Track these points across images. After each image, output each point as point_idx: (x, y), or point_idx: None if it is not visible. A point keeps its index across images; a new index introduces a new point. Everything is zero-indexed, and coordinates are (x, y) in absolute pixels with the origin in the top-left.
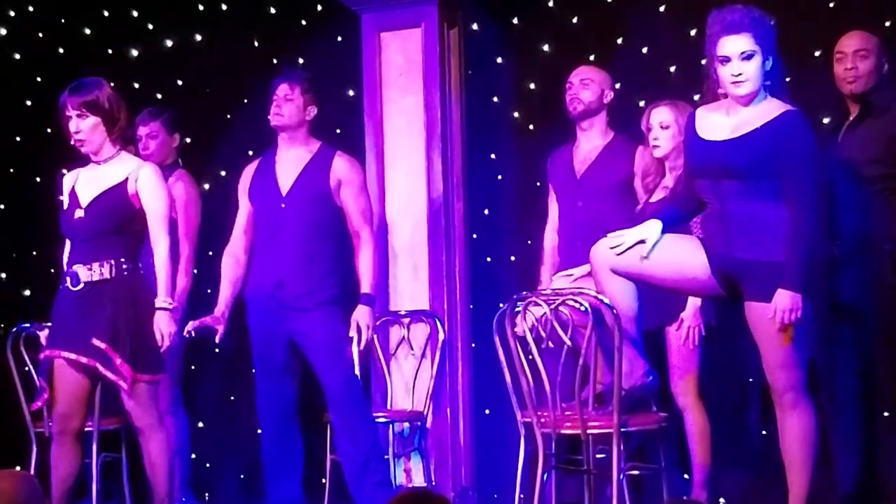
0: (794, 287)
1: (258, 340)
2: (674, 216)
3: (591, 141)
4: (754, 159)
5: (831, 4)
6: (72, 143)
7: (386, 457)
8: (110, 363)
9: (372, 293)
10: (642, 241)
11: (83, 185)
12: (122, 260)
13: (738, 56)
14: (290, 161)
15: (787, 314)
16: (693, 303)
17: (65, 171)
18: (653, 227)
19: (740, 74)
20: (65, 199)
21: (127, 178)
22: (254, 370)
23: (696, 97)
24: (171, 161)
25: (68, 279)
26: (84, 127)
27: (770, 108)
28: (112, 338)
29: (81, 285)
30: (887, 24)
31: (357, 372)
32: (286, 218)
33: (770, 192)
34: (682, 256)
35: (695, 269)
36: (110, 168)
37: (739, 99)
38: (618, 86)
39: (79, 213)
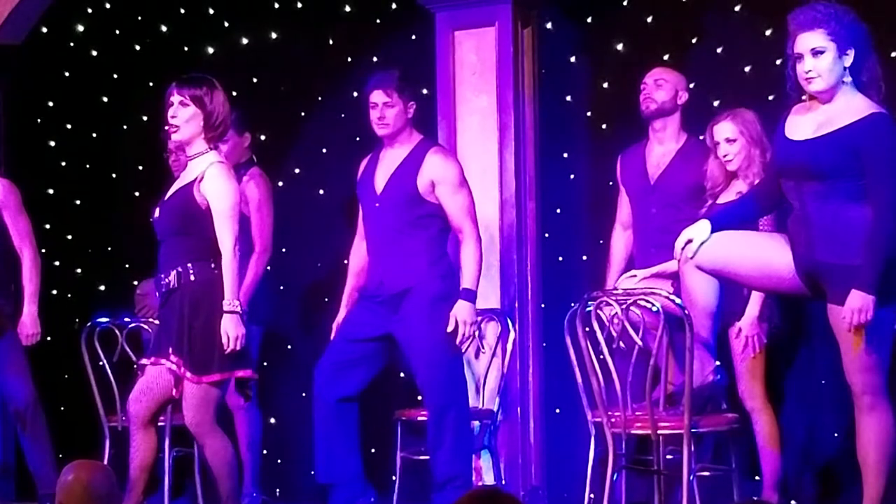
0: (866, 288)
1: (347, 332)
2: (738, 213)
3: (664, 144)
4: (835, 160)
5: None
6: (165, 127)
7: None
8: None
9: (472, 288)
10: (689, 241)
11: (176, 183)
12: (189, 265)
13: (809, 52)
14: (390, 159)
15: (856, 315)
16: (750, 312)
17: None
18: (700, 227)
19: (810, 71)
20: None
21: (196, 178)
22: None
23: (771, 98)
24: (245, 160)
25: (157, 291)
26: (182, 115)
27: (856, 108)
28: (178, 344)
29: (162, 296)
30: None
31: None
32: (380, 216)
33: (851, 192)
34: (767, 254)
35: (779, 267)
36: (193, 165)
37: (817, 95)
38: (692, 85)
39: (156, 212)
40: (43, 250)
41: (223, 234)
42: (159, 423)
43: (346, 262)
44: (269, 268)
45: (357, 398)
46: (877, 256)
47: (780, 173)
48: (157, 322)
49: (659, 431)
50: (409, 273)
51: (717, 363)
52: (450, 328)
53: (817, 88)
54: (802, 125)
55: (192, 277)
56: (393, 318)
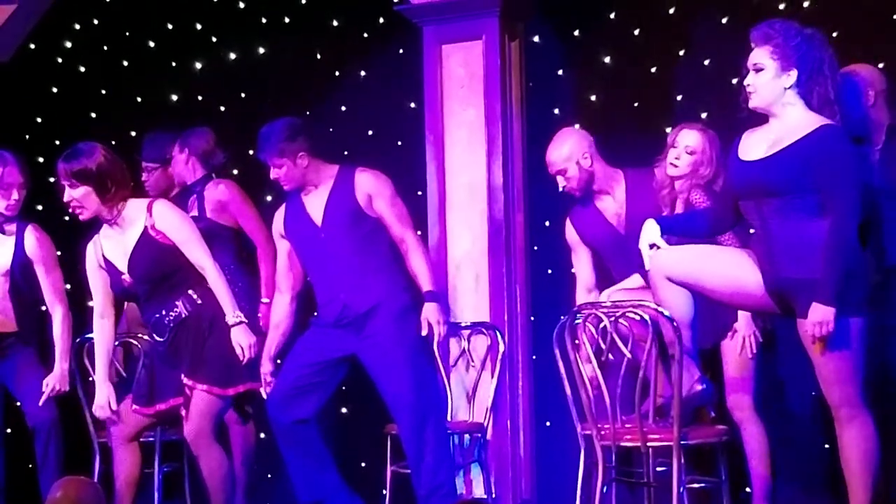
0: (826, 300)
1: (302, 357)
2: (687, 226)
3: (613, 193)
4: (790, 175)
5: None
6: (70, 211)
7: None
8: (188, 392)
9: (434, 289)
10: (655, 246)
11: (111, 251)
12: (190, 292)
13: (752, 67)
14: (316, 195)
15: (818, 327)
16: (745, 312)
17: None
18: (650, 230)
19: (749, 85)
20: (93, 273)
21: (146, 227)
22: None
23: None
24: (202, 174)
25: (154, 334)
26: (76, 195)
27: (805, 123)
28: (193, 368)
29: (167, 333)
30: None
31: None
32: (329, 245)
33: (810, 207)
34: (737, 271)
35: (749, 284)
36: (124, 224)
37: (755, 110)
38: (679, 97)
39: (126, 278)
40: None
41: (199, 258)
42: (149, 439)
43: None
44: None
45: (312, 420)
46: (834, 268)
47: (737, 195)
48: (136, 344)
49: (648, 444)
50: (374, 291)
51: (700, 374)
52: (424, 332)
53: (753, 104)
54: (755, 145)
55: (199, 301)
56: (356, 338)
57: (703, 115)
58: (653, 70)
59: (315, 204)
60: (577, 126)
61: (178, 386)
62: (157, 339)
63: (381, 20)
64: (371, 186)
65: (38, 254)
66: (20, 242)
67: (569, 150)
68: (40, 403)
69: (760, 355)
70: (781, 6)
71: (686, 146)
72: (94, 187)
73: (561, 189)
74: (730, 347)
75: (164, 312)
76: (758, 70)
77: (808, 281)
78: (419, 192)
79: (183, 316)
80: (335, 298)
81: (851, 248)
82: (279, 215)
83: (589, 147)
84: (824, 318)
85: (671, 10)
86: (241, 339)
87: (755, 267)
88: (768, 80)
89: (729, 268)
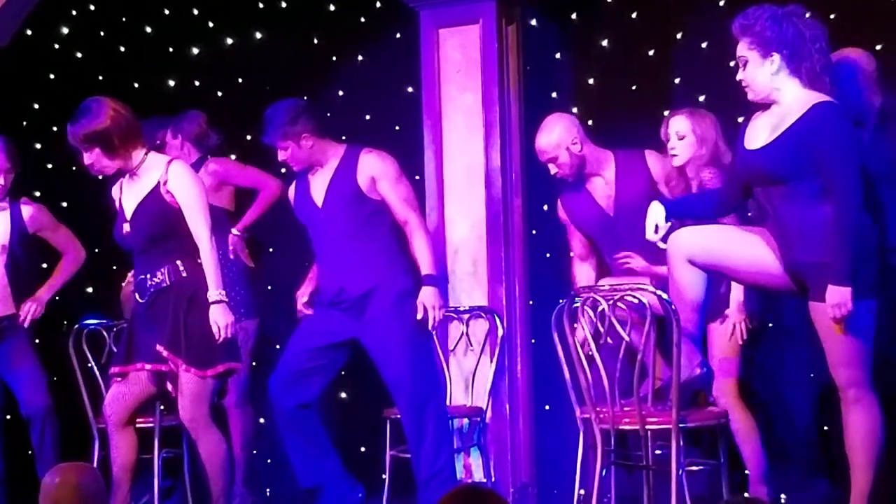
0: (841, 281)
1: (305, 341)
2: (694, 207)
3: (603, 174)
4: (790, 160)
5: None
6: (91, 172)
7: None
8: (172, 366)
9: (434, 273)
10: (656, 229)
11: (126, 198)
12: (178, 262)
13: (739, 62)
14: (321, 174)
15: (836, 309)
16: (736, 298)
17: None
18: (655, 212)
19: (742, 80)
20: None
21: (159, 183)
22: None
23: None
24: (197, 157)
25: (137, 294)
26: (92, 158)
27: (801, 103)
28: (172, 341)
29: (147, 296)
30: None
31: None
32: (328, 226)
33: (814, 192)
34: (758, 251)
35: (770, 264)
36: (143, 175)
37: (756, 102)
38: (677, 81)
39: (126, 228)
40: None
41: (198, 227)
42: (149, 424)
43: None
44: (254, 266)
45: (314, 404)
46: (844, 248)
47: (747, 183)
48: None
49: (647, 427)
50: (371, 274)
51: (702, 359)
52: (419, 315)
53: (751, 98)
54: (759, 132)
55: (184, 274)
56: (357, 322)
57: (701, 98)
58: (650, 53)
59: (318, 184)
60: (574, 110)
61: (157, 354)
62: (139, 300)
63: (378, 4)
64: (375, 168)
65: (41, 221)
66: (17, 216)
67: (558, 138)
68: (25, 323)
69: (748, 342)
70: None
71: (676, 132)
72: (100, 147)
73: (553, 174)
74: (718, 332)
75: (148, 275)
76: (744, 64)
77: (819, 264)
78: (417, 177)
79: (164, 284)
80: (333, 280)
81: (859, 227)
82: (291, 192)
83: (578, 132)
84: (842, 299)
85: None
86: (219, 318)
87: (772, 247)
88: (754, 72)
89: (751, 248)
